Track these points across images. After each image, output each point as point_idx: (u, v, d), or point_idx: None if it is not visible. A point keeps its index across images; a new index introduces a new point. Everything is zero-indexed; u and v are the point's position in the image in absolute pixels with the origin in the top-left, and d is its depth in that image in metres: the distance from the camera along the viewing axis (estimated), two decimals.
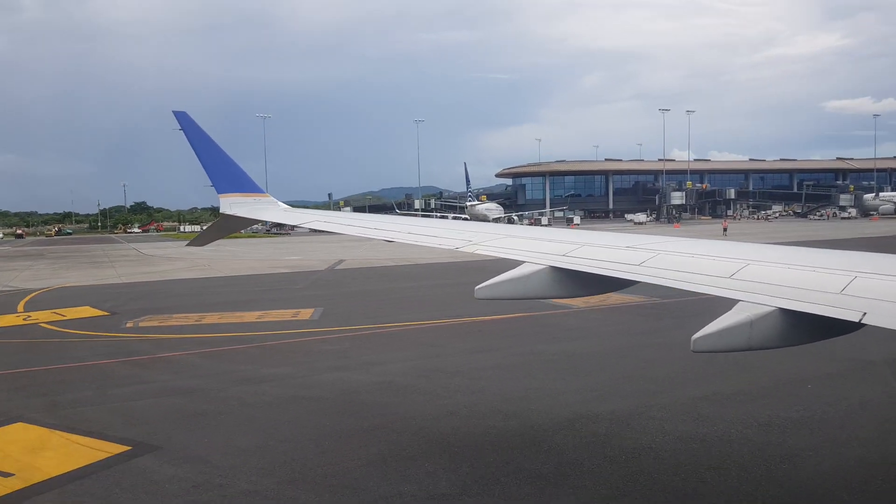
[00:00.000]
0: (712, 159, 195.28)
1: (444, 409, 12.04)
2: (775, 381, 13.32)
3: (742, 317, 4.63)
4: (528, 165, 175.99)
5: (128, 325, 22.12)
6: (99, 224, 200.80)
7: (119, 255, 64.89)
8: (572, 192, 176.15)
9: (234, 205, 11.48)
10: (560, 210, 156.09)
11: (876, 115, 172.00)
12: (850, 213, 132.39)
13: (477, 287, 6.32)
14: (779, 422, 10.99)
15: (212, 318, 23.20)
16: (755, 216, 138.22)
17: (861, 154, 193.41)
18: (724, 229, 77.12)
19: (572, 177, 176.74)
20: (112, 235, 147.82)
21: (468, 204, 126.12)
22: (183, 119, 11.45)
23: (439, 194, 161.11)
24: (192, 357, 17.01)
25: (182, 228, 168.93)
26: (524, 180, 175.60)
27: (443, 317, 22.43)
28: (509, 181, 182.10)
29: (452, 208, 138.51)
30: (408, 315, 23.23)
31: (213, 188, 11.44)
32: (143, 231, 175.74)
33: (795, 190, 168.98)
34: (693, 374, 14.05)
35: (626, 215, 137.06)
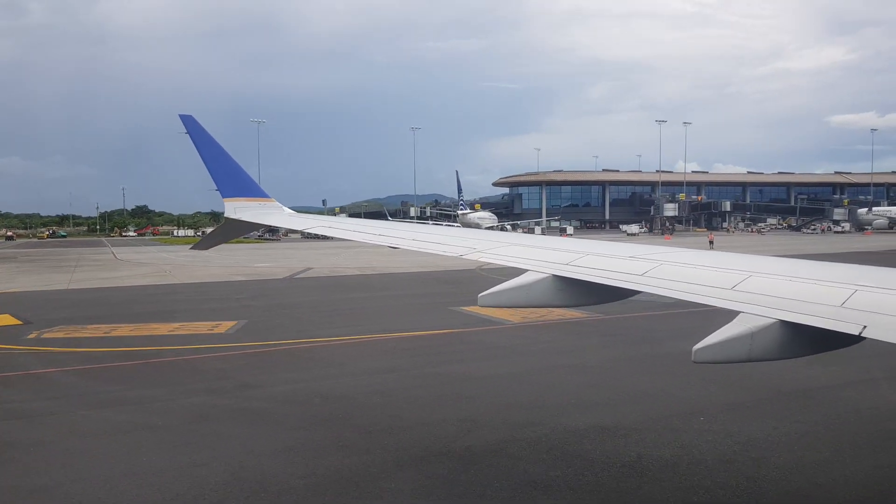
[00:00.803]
0: (710, 171, 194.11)
1: (280, 445, 10.86)
2: (645, 417, 12.15)
3: (743, 328, 4.64)
4: (525, 175, 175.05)
5: (31, 336, 21.01)
6: (97, 227, 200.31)
7: (90, 260, 63.83)
8: (569, 203, 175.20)
9: (239, 209, 11.52)
10: (555, 220, 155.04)
11: (874, 130, 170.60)
12: (843, 227, 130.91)
13: (480, 295, 6.35)
14: (648, 461, 9.83)
15: (123, 329, 22.07)
16: (750, 229, 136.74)
17: (864, 168, 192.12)
18: (711, 242, 76.13)
19: (569, 187, 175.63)
20: (104, 239, 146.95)
21: (459, 213, 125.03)
22: (189, 123, 11.47)
23: (435, 202, 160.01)
24: (65, 374, 15.89)
25: (176, 233, 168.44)
26: (521, 189, 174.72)
27: (371, 331, 21.30)
28: (506, 190, 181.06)
29: (448, 216, 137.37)
30: (336, 329, 22.08)
31: (216, 192, 11.30)
32: (139, 234, 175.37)
33: (793, 203, 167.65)
34: (582, 401, 12.92)
35: (620, 226, 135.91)
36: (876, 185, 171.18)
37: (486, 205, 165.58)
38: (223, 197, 11.64)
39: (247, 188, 11.85)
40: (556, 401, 13.23)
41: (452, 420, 12.04)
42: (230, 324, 22.92)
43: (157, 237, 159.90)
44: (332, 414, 12.63)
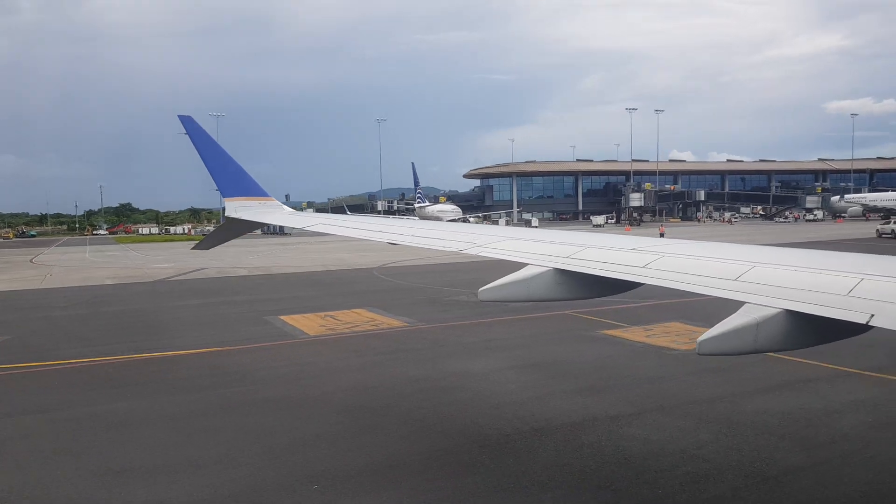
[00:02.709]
0: (682, 160, 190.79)
1: None
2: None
3: (748, 319, 4.61)
4: (496, 166, 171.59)
5: None
6: (77, 225, 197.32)
7: (6, 263, 60.72)
8: (542, 194, 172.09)
9: (239, 208, 11.56)
10: (527, 212, 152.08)
11: (853, 115, 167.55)
12: (815, 215, 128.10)
13: (481, 289, 6.38)
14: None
15: None
16: (722, 218, 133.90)
17: (861, 154, 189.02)
18: (661, 234, 73.43)
19: (542, 178, 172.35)
20: (74, 237, 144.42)
21: (416, 206, 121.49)
22: (188, 123, 11.47)
23: (402, 196, 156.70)
24: None
25: (140, 231, 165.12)
26: (492, 181, 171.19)
27: (164, 348, 18.67)
28: (478, 182, 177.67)
29: (412, 210, 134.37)
30: (123, 345, 19.40)
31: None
32: (111, 233, 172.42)
33: (775, 192, 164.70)
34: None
35: (591, 217, 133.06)
36: (857, 171, 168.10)
37: (455, 197, 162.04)
38: (224, 196, 11.74)
39: (247, 187, 11.88)
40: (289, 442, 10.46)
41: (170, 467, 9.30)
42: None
43: (129, 235, 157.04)
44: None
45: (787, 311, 4.60)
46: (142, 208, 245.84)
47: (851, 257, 5.69)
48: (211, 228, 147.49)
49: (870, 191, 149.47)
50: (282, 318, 23.38)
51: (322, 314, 24.05)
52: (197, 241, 16.46)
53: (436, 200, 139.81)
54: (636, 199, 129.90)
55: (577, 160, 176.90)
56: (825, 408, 12.19)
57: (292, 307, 26.02)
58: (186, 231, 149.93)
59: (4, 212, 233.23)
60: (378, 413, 12.55)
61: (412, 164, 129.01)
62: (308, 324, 22.10)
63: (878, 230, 69.84)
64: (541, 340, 18.97)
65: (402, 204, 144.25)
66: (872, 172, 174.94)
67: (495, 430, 11.30)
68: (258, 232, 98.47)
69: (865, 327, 4.29)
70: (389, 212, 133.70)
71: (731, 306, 4.84)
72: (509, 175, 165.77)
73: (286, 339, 19.72)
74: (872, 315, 4.24)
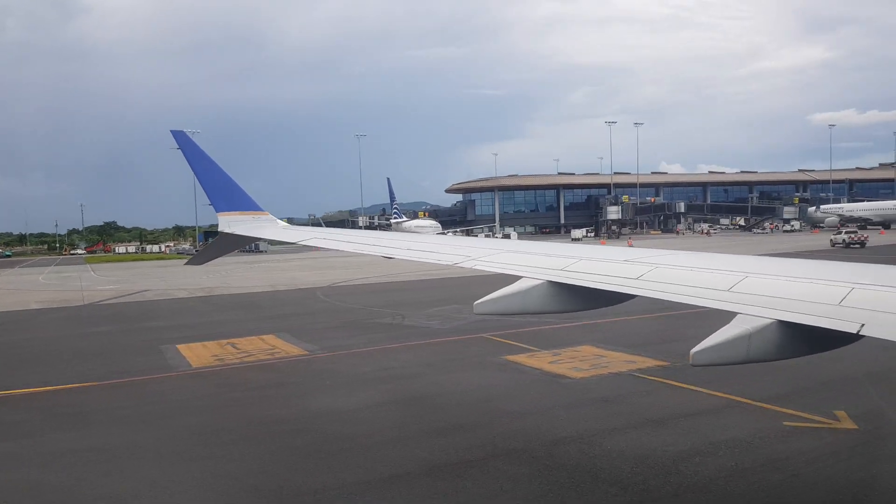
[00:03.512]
0: (668, 172, 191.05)
1: None
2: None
3: (741, 329, 4.64)
4: (478, 180, 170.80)
5: None
6: (57, 245, 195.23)
7: None
8: (523, 208, 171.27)
9: (232, 223, 11.49)
10: (509, 227, 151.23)
11: (831, 126, 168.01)
12: (793, 225, 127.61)
13: (476, 302, 6.42)
14: None
15: None
16: (701, 230, 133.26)
17: (845, 165, 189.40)
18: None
19: (524, 192, 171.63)
20: (50, 257, 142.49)
21: (393, 221, 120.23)
22: (181, 138, 11.51)
23: (382, 212, 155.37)
24: None
25: (117, 250, 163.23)
26: (474, 196, 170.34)
27: (8, 386, 17.16)
28: (459, 196, 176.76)
29: (390, 226, 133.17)
30: None
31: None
32: (89, 252, 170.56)
33: (755, 203, 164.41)
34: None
35: (572, 231, 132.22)
36: (836, 181, 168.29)
37: (437, 212, 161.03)
38: (217, 211, 11.61)
39: (240, 202, 11.76)
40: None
41: None
42: None
43: (106, 254, 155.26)
44: None
45: (780, 321, 4.61)
46: (129, 226, 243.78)
47: (843, 266, 5.67)
48: (187, 247, 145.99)
49: (848, 201, 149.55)
50: (179, 346, 22.03)
51: (224, 342, 22.72)
52: (182, 258, 16.02)
53: (415, 216, 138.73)
54: (614, 213, 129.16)
55: (560, 173, 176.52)
56: (691, 448, 10.99)
57: (200, 334, 24.69)
58: (162, 250, 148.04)
59: None
60: (196, 460, 11.25)
61: (388, 179, 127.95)
62: (201, 354, 20.78)
63: (831, 240, 70.67)
64: (436, 368, 17.73)
65: (382, 220, 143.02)
66: (852, 183, 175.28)
67: (321, 483, 10.02)
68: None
69: (856, 336, 4.32)
70: (370, 228, 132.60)
71: (722, 318, 4.83)
72: (491, 189, 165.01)
73: (163, 373, 18.36)
74: (863, 325, 4.26)
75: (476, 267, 7.68)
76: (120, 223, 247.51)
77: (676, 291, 5.51)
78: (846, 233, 71.31)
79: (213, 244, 14.02)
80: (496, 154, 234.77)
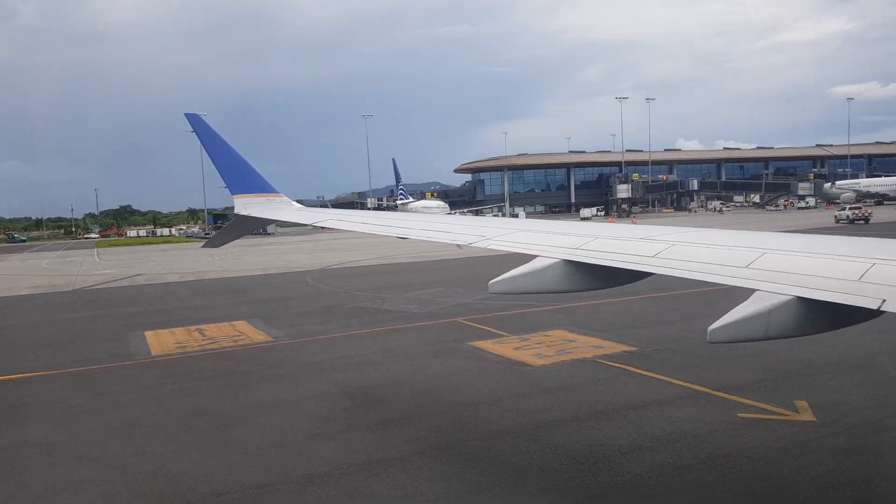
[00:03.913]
0: (685, 149, 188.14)
1: None
2: None
3: (759, 306, 4.60)
4: (488, 160, 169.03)
5: None
6: (73, 229, 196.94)
7: None
8: (533, 187, 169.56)
9: (248, 205, 11.57)
10: (518, 206, 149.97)
11: (850, 99, 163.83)
12: (807, 202, 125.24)
13: (491, 282, 6.30)
14: None
15: None
16: (714, 208, 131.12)
17: (865, 140, 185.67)
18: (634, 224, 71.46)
19: (533, 171, 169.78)
20: (64, 241, 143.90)
21: (399, 202, 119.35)
22: (195, 121, 11.48)
23: (391, 193, 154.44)
24: None
25: (129, 233, 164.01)
26: (483, 175, 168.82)
27: None
28: (468, 177, 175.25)
29: (396, 208, 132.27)
30: None
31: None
32: (102, 235, 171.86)
33: (768, 179, 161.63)
34: None
35: (580, 210, 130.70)
36: (855, 157, 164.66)
37: (445, 193, 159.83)
38: (232, 194, 11.61)
39: (255, 184, 11.78)
40: None
41: None
42: None
43: (119, 238, 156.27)
44: None
45: (799, 297, 4.56)
46: (144, 210, 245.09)
47: (863, 242, 5.57)
48: (196, 230, 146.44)
49: (867, 176, 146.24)
50: (147, 333, 21.64)
51: (194, 328, 22.30)
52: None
53: (423, 196, 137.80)
54: (623, 191, 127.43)
55: (570, 152, 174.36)
56: (631, 444, 10.33)
57: (174, 320, 24.33)
58: (172, 233, 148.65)
59: (7, 217, 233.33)
60: (121, 456, 10.76)
61: (392, 160, 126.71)
62: (165, 341, 20.36)
63: (835, 216, 71.57)
64: (397, 356, 17.14)
65: (391, 201, 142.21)
66: (871, 158, 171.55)
67: (238, 482, 9.50)
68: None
69: (877, 312, 4.26)
70: (378, 209, 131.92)
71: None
72: (500, 169, 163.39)
73: (120, 361, 17.92)
74: (884, 300, 4.20)
75: (490, 246, 7.57)
76: (135, 207, 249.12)
77: (693, 269, 5.45)
78: (850, 209, 72.18)
79: (229, 226, 14.18)
80: (506, 133, 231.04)
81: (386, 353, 17.57)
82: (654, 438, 10.48)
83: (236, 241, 71.07)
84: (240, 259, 54.60)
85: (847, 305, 4.35)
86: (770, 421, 11.07)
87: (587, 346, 16.98)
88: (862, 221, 66.57)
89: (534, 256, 6.49)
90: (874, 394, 12.22)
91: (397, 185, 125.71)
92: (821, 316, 4.62)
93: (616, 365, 15.05)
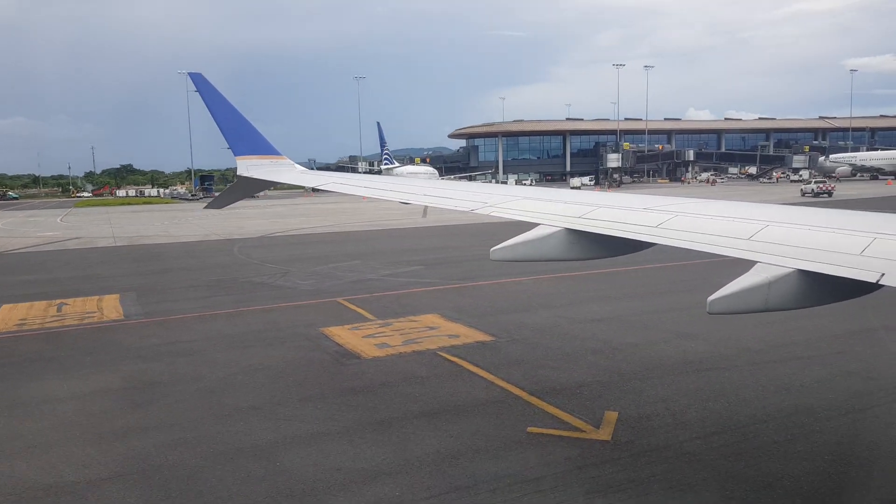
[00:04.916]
0: (682, 118, 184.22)
1: None
2: None
3: (760, 278, 4.63)
4: (482, 126, 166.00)
5: None
6: (70, 187, 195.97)
7: None
8: (528, 155, 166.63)
9: (251, 167, 11.60)
10: (512, 174, 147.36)
11: (853, 71, 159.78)
12: (801, 175, 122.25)
13: (492, 249, 6.34)
14: None
15: None
16: (708, 179, 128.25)
17: (880, 113, 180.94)
18: None
19: (528, 138, 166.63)
20: (55, 200, 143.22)
21: (383, 168, 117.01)
22: (198, 81, 11.37)
23: (383, 158, 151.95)
24: None
25: (117, 193, 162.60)
26: (477, 141, 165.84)
27: None
28: (462, 142, 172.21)
29: (380, 173, 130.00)
30: None
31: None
32: (96, 194, 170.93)
33: (762, 151, 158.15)
34: None
35: (570, 179, 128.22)
36: (857, 129, 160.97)
37: (438, 158, 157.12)
38: (235, 155, 11.60)
39: (258, 146, 11.76)
40: None
41: None
42: None
43: (107, 197, 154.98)
44: None
45: (800, 270, 4.60)
46: (147, 169, 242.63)
47: (867, 216, 5.59)
48: (182, 191, 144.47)
49: (868, 149, 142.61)
50: (4, 306, 20.22)
51: (57, 302, 20.84)
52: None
53: (411, 162, 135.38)
54: (613, 160, 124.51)
55: (567, 119, 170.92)
56: (373, 468, 8.77)
57: (50, 291, 22.90)
58: (159, 193, 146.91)
59: (10, 174, 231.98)
60: None
61: (377, 123, 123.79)
62: (13, 316, 18.95)
63: (801, 189, 75.03)
64: (229, 343, 15.58)
65: (382, 166, 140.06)
66: (874, 131, 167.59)
67: None
68: None
69: (876, 286, 4.30)
70: (370, 174, 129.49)
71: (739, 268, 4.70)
72: (495, 135, 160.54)
73: None
74: (883, 274, 4.23)
75: (493, 213, 7.53)
76: (137, 166, 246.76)
77: (695, 240, 5.46)
78: (815, 183, 75.88)
79: (231, 187, 14.07)
80: (503, 98, 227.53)
81: (223, 338, 16.05)
82: (407, 461, 8.94)
83: (198, 204, 69.72)
84: (191, 224, 53.19)
85: (847, 279, 4.35)
86: (556, 438, 9.52)
87: (444, 336, 15.42)
88: (826, 195, 69.05)
89: (536, 224, 6.47)
90: (704, 406, 10.63)
91: (382, 150, 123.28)
92: (820, 289, 4.65)
93: (453, 359, 13.51)
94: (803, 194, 72.12)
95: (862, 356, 13.00)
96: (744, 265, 4.89)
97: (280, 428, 10.21)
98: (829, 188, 71.97)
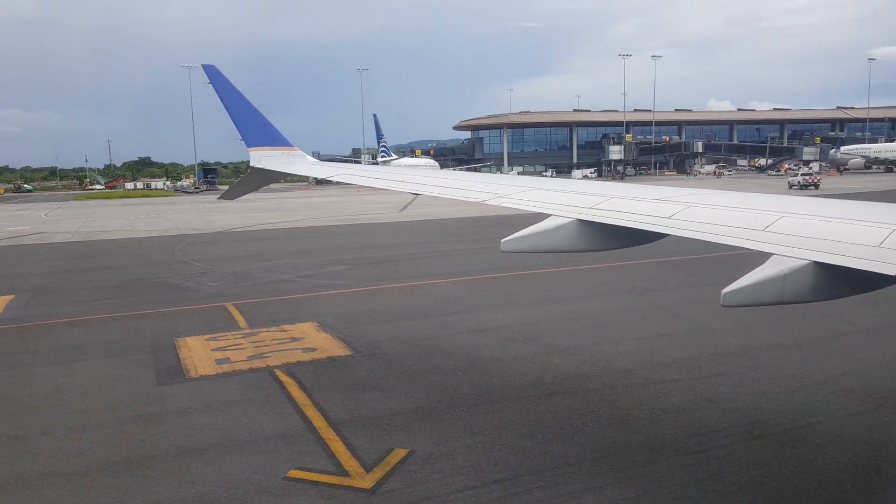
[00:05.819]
0: (694, 109, 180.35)
1: None
2: None
3: (775, 270, 4.55)
4: (487, 117, 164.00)
5: None
6: (86, 179, 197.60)
7: None
8: (535, 146, 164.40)
9: (263, 158, 11.72)
10: (519, 167, 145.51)
11: (871, 59, 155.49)
12: (811, 167, 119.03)
13: (503, 240, 6.28)
14: None
15: None
16: (714, 172, 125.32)
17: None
18: None
19: (534, 129, 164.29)
20: (65, 192, 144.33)
21: (380, 160, 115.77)
22: (212, 73, 11.57)
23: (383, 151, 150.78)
24: None
25: (126, 186, 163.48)
26: (482, 133, 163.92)
27: None
28: (468, 134, 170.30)
29: (387, 164, 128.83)
30: None
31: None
32: (108, 187, 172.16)
33: (786, 143, 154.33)
34: None
35: (572, 171, 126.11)
36: (875, 120, 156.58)
37: (442, 150, 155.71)
38: (248, 146, 11.70)
39: (271, 137, 11.83)
40: None
41: None
42: None
43: (111, 190, 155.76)
44: None
45: (816, 262, 4.49)
46: (165, 162, 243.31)
47: (884, 208, 5.38)
48: (184, 184, 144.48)
49: (886, 141, 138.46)
50: None
51: None
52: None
53: (412, 154, 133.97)
54: (615, 152, 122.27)
55: (574, 110, 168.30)
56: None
57: None
58: (163, 187, 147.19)
59: (35, 166, 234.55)
60: None
61: (374, 115, 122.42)
62: None
63: (789, 182, 75.97)
64: (71, 355, 14.34)
65: (379, 158, 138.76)
66: (893, 121, 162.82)
67: None
68: None
69: (894, 279, 4.18)
70: (373, 164, 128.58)
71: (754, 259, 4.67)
72: (500, 127, 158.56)
73: None
74: None
75: (504, 204, 7.50)
76: (155, 158, 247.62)
77: (709, 231, 5.38)
78: (802, 175, 77.29)
79: (244, 178, 14.20)
80: (511, 90, 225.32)
81: (64, 349, 14.83)
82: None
83: (198, 198, 69.50)
84: (167, 218, 52.50)
85: (864, 271, 4.24)
86: (311, 485, 8.15)
87: (298, 350, 14.10)
88: (813, 188, 71.43)
89: (548, 215, 6.40)
90: (514, 444, 9.20)
91: (379, 142, 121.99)
92: (837, 281, 4.55)
93: (284, 379, 12.18)
94: (790, 186, 72.91)
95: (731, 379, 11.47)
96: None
97: (8, 462, 8.94)
98: (816, 181, 73.96)
